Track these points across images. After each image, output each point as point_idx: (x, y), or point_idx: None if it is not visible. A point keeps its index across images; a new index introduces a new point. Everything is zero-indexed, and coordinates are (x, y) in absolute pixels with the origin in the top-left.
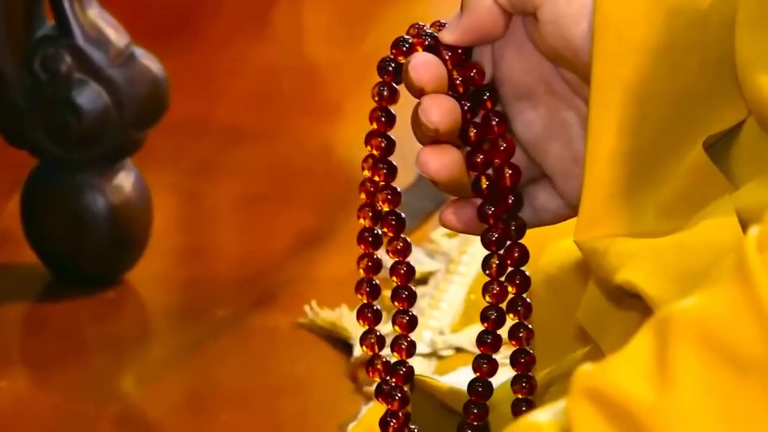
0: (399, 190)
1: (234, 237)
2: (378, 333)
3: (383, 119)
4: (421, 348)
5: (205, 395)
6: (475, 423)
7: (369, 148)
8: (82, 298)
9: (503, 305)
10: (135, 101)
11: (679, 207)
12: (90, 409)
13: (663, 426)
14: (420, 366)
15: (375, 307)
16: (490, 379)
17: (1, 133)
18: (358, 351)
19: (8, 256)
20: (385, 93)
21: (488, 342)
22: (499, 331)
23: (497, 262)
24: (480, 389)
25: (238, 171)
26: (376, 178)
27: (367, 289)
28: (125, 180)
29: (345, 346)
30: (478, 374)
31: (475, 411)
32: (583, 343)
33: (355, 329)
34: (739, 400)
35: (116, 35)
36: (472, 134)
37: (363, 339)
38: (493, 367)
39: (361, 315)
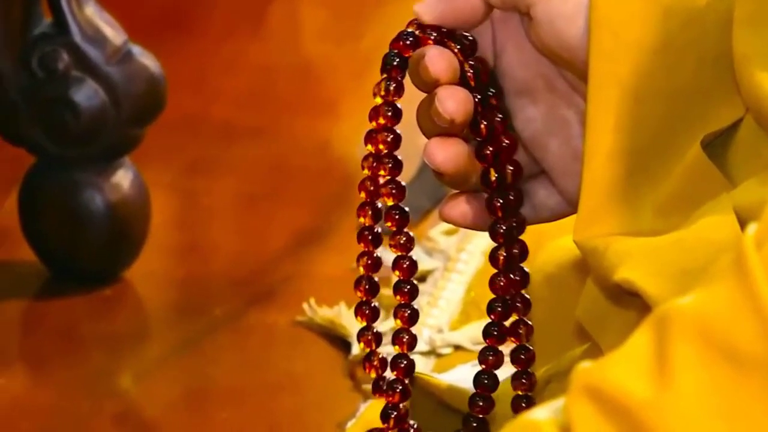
0: (403, 184)
1: (231, 234)
2: (375, 330)
3: (390, 114)
4: (419, 346)
5: (202, 393)
6: (481, 415)
7: (370, 146)
8: (79, 295)
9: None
10: (132, 99)
11: (677, 205)
12: (87, 406)
13: (662, 423)
14: (419, 364)
15: (373, 304)
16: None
17: None
18: (356, 349)
19: (6, 254)
20: (392, 88)
21: (494, 334)
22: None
23: (504, 254)
24: (486, 381)
25: (235, 169)
26: (382, 173)
27: (366, 287)
28: (123, 178)
29: (343, 344)
30: (483, 366)
31: (481, 404)
32: (581, 341)
33: (353, 327)
34: (737, 396)
35: (113, 33)
36: (482, 126)
37: (360, 335)
38: (499, 359)
39: (359, 312)
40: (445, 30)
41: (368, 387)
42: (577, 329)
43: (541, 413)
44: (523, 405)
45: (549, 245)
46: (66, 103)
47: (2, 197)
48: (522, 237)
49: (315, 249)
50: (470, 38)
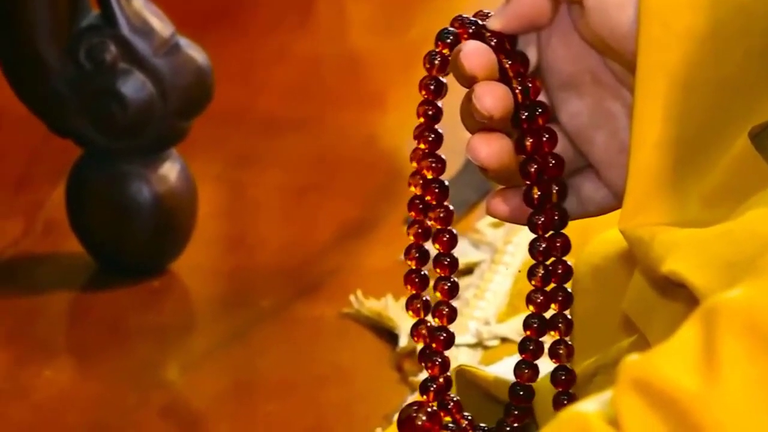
0: (443, 157)
1: (278, 226)
2: (425, 298)
3: (431, 88)
4: (466, 338)
5: (249, 385)
6: (516, 425)
7: (422, 118)
8: (126, 287)
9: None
10: (179, 91)
11: (724, 196)
12: (134, 398)
13: (710, 416)
14: (465, 356)
15: (423, 273)
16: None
17: (46, 122)
18: (403, 341)
19: (53, 246)
20: (436, 61)
21: (530, 349)
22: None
23: (542, 272)
24: (521, 394)
25: (281, 161)
26: (421, 146)
27: (417, 255)
28: (170, 169)
29: (390, 336)
30: (518, 380)
31: (516, 413)
32: (628, 333)
33: (400, 319)
34: None
35: (161, 25)
36: (528, 144)
37: (409, 304)
38: (534, 373)
39: (408, 280)
40: (505, 39)
41: (415, 379)
42: (624, 321)
43: (589, 406)
44: (565, 402)
45: (595, 238)
46: (113, 95)
47: (49, 189)
48: (567, 231)
49: (362, 241)
50: (525, 56)
